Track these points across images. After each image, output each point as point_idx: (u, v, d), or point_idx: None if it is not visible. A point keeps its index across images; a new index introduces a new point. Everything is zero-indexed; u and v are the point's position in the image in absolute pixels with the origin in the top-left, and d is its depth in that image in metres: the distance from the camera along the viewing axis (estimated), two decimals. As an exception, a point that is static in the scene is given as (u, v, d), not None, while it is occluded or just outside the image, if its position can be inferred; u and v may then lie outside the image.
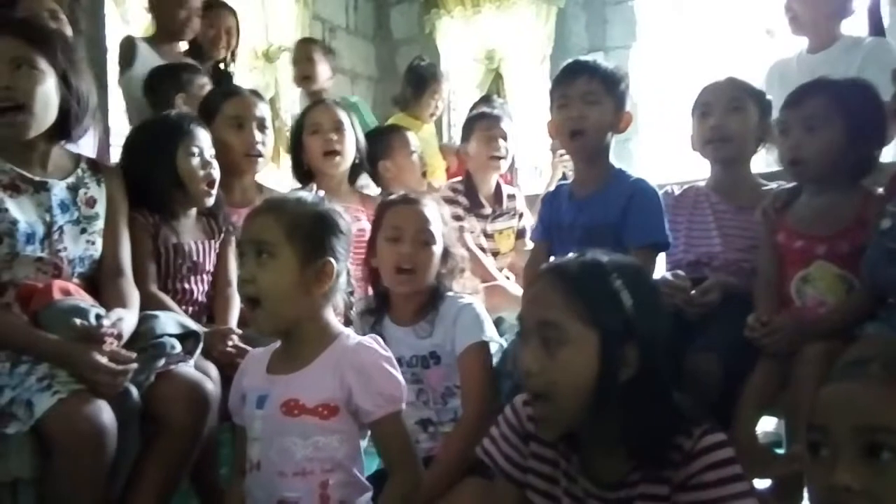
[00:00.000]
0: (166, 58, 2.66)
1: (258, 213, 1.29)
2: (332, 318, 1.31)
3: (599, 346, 1.04)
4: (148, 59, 2.63)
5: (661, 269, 1.88)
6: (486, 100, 3.70)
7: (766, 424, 2.22)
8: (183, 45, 2.83)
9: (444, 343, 1.54)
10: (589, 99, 1.73)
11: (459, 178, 2.86)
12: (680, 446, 1.05)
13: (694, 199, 1.93)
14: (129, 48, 2.71)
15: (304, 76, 3.43)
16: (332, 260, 1.26)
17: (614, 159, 1.86)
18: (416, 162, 2.71)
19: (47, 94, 1.57)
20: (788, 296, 1.67)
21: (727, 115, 1.84)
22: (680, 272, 1.74)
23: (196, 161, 1.86)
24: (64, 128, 1.63)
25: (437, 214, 1.59)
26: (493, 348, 1.61)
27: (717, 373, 1.53)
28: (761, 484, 1.68)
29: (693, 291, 1.69)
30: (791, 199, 1.73)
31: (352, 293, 1.44)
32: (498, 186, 2.81)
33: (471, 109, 3.44)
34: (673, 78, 4.21)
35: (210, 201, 1.91)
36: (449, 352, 1.54)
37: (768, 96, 1.93)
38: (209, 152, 1.90)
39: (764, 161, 2.07)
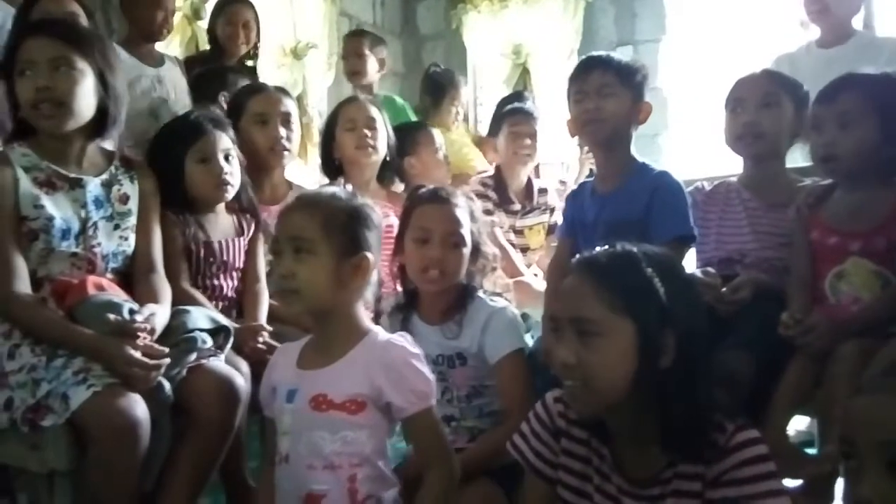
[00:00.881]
0: (145, 60, 2.61)
1: (293, 210, 1.30)
2: (363, 314, 1.32)
3: (635, 335, 1.03)
4: (127, 64, 2.50)
5: (690, 266, 1.86)
6: (517, 96, 3.68)
7: (798, 424, 2.19)
8: (159, 46, 2.76)
9: (470, 346, 1.53)
10: (604, 91, 1.74)
11: (489, 173, 2.85)
12: (713, 442, 1.04)
13: (725, 195, 1.90)
14: None
15: (354, 71, 3.41)
16: (368, 254, 1.27)
17: (640, 153, 1.85)
18: (442, 159, 2.71)
19: (86, 94, 1.60)
20: (822, 293, 1.64)
21: (761, 110, 1.81)
22: (710, 269, 1.72)
23: (206, 167, 1.86)
24: (100, 126, 1.66)
25: (466, 213, 1.56)
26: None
27: (748, 370, 1.51)
28: (791, 483, 1.66)
29: (724, 289, 1.66)
30: (825, 195, 1.70)
31: (381, 285, 1.44)
32: (529, 181, 2.80)
33: (500, 105, 3.43)
34: (703, 72, 4.16)
35: (226, 197, 1.91)
36: (475, 354, 1.53)
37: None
38: (223, 154, 1.88)
39: (800, 154, 2.03)
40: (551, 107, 4.31)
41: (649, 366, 1.03)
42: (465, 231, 1.54)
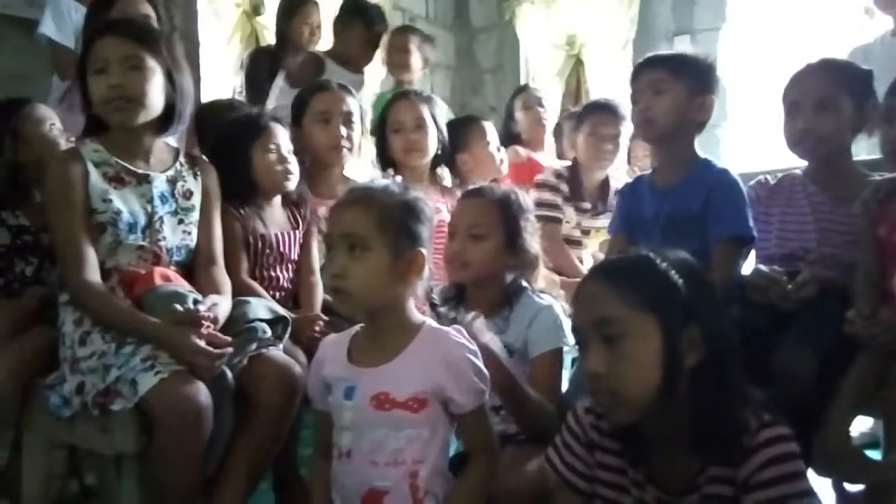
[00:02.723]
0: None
1: (347, 206, 1.27)
2: (413, 307, 1.31)
3: (660, 331, 1.02)
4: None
5: (750, 265, 1.82)
6: (523, 89, 3.57)
7: (862, 425, 2.13)
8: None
9: (516, 341, 1.53)
10: (656, 88, 1.73)
11: (567, 164, 2.78)
12: (740, 443, 1.02)
13: (789, 188, 1.83)
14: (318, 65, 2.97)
15: (397, 65, 3.41)
16: (423, 250, 1.26)
17: (698, 145, 1.81)
18: (495, 153, 2.69)
19: (155, 91, 1.65)
20: (890, 291, 1.58)
21: (817, 114, 1.72)
22: (776, 267, 1.68)
23: (272, 157, 1.93)
24: (167, 123, 1.72)
25: (497, 208, 1.55)
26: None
27: (810, 369, 1.47)
28: (853, 487, 1.62)
29: (790, 286, 1.62)
30: (894, 189, 1.64)
31: (431, 281, 1.45)
32: (605, 181, 2.69)
33: (511, 99, 3.39)
34: (765, 61, 4.03)
35: (290, 186, 1.97)
36: (519, 349, 1.53)
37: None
38: (286, 148, 1.96)
39: (865, 148, 1.96)
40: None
41: (678, 364, 1.02)
42: (491, 224, 1.54)
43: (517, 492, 1.31)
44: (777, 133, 1.88)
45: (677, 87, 1.72)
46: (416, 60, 3.40)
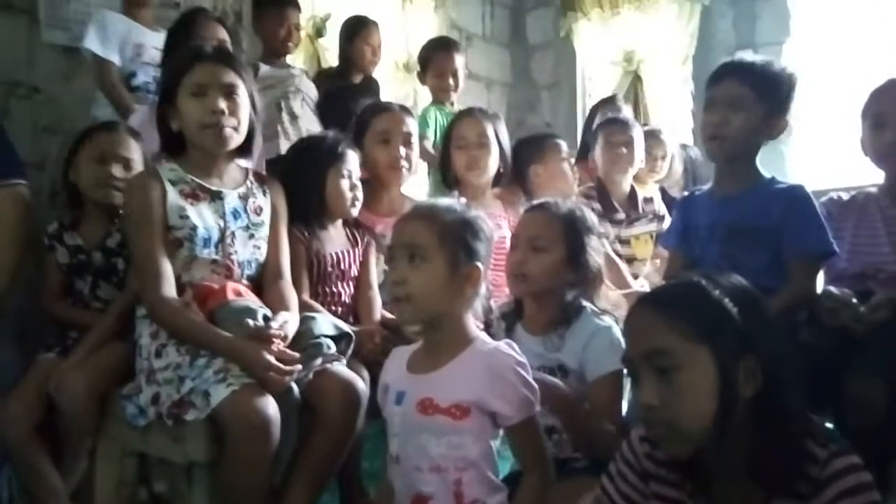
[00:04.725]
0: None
1: (410, 219, 1.33)
2: (471, 322, 1.34)
3: (715, 363, 0.98)
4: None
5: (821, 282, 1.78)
6: (608, 101, 3.55)
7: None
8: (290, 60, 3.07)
9: (570, 361, 1.52)
10: (735, 104, 1.67)
11: (591, 184, 2.83)
12: (807, 474, 0.97)
13: (862, 204, 1.79)
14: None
15: (452, 89, 3.31)
16: (479, 265, 1.29)
17: (760, 160, 1.77)
18: (568, 169, 2.70)
19: (246, 118, 1.75)
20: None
21: None
22: (846, 290, 1.63)
23: (345, 183, 2.00)
24: (245, 146, 1.80)
25: (560, 222, 1.56)
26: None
27: (882, 397, 1.42)
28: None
29: (862, 308, 1.57)
30: None
31: (489, 299, 1.46)
32: (633, 190, 2.76)
33: (592, 110, 3.38)
34: (831, 76, 3.93)
35: (355, 212, 2.06)
36: (575, 370, 1.51)
37: None
38: (357, 174, 2.04)
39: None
40: (663, 115, 4.23)
41: (734, 395, 0.98)
42: (553, 237, 1.54)
43: None
44: (844, 149, 1.84)
45: (757, 107, 1.67)
46: (459, 81, 3.30)
